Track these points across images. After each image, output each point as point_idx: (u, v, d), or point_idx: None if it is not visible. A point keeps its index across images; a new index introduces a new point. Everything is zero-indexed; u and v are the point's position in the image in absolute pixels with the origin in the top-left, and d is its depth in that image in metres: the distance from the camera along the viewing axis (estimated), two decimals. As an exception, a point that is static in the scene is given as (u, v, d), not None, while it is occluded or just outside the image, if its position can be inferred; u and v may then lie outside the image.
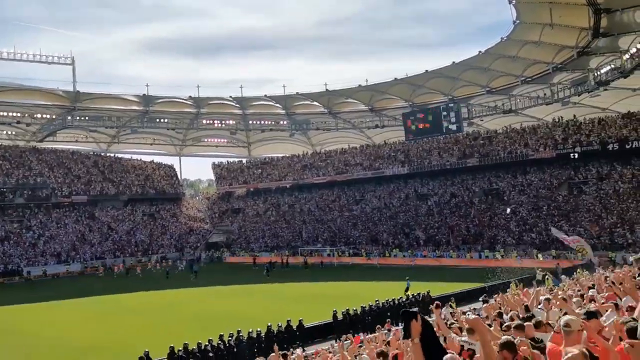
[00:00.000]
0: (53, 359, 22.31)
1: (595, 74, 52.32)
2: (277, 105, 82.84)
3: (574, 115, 61.42)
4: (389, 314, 24.36)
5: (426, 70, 67.75)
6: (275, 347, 13.55)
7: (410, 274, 36.74)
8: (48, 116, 74.39)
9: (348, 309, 24.21)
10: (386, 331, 16.08)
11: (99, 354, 22.52)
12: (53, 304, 37.89)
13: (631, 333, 4.61)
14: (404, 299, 26.91)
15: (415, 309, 3.52)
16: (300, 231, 68.86)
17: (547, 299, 10.08)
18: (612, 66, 49.10)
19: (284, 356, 12.85)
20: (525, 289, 19.14)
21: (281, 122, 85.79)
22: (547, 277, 29.00)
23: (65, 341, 25.34)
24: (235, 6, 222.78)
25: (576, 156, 56.74)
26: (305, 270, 50.56)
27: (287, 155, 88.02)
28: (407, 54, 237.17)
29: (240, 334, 20.60)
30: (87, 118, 77.60)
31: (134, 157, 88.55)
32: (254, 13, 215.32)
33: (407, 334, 3.49)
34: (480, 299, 22.91)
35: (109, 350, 23.01)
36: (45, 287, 48.02)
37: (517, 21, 51.13)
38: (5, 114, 70.42)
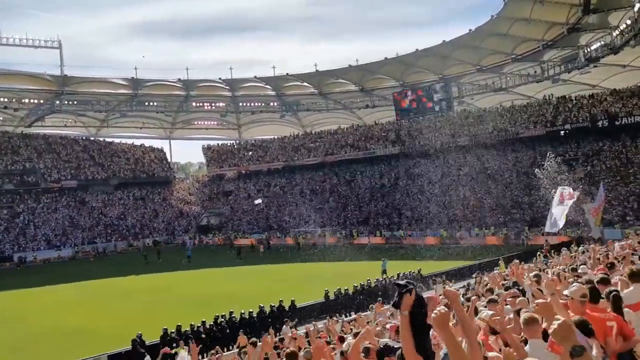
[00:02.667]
0: (44, 342, 22.27)
1: (585, 51, 52.33)
2: (267, 86, 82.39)
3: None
4: (380, 293, 24.51)
5: (417, 50, 67.50)
6: (271, 331, 13.62)
7: (397, 255, 36.91)
8: (36, 101, 73.59)
9: (340, 289, 24.32)
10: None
11: (91, 337, 22.51)
12: (45, 289, 37.79)
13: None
14: (382, 280, 26.85)
15: (412, 284, 3.48)
16: (291, 213, 68.90)
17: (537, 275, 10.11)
18: (602, 43, 49.08)
19: (281, 340, 12.90)
20: (514, 265, 19.23)
21: (271, 104, 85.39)
22: (538, 253, 29.25)
23: (57, 325, 25.36)
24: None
25: (566, 133, 56.99)
26: (298, 251, 50.74)
27: (278, 137, 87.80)
28: (398, 33, 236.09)
29: (233, 315, 20.66)
30: (75, 102, 76.88)
31: (124, 141, 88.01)
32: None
33: (397, 305, 3.49)
34: (474, 275, 23.12)
35: (101, 333, 23.02)
36: (36, 272, 47.87)
37: (507, -2, 50.91)
38: (-8, 99, 69.62)
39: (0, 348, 21.61)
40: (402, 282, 3.55)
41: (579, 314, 4.67)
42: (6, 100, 70.31)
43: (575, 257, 16.73)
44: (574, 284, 5.74)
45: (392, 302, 3.96)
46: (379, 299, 21.61)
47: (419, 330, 3.43)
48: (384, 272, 29.89)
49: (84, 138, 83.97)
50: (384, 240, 53.51)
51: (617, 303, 5.21)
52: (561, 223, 21.52)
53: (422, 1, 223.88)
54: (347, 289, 24.48)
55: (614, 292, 5.36)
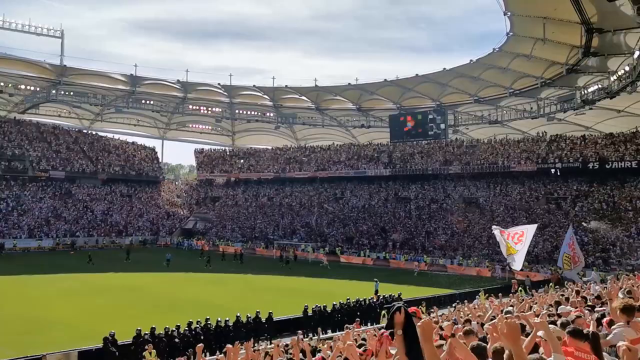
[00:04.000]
0: (14, 332, 21.92)
1: (582, 92, 52.81)
2: (265, 96, 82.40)
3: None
4: (358, 313, 24.42)
5: (417, 74, 67.86)
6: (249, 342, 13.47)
7: (381, 276, 36.85)
8: (32, 88, 72.90)
9: (318, 305, 24.18)
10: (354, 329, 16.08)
11: (65, 330, 22.19)
12: (20, 277, 37.35)
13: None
14: (375, 300, 27.00)
15: (400, 303, 3.63)
16: (277, 224, 68.72)
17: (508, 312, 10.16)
18: (600, 86, 49.55)
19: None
20: (491, 299, 19.31)
21: (267, 114, 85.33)
22: (520, 288, 29.41)
23: (28, 316, 25.00)
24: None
25: (557, 171, 57.55)
26: (280, 263, 50.51)
27: (271, 147, 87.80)
28: (398, 57, 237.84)
29: (209, 323, 20.45)
30: (71, 93, 76.28)
31: (116, 136, 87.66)
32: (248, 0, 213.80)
33: (389, 326, 3.65)
34: (454, 305, 23.25)
35: (76, 327, 22.71)
36: (15, 260, 47.31)
37: (511, 33, 51.39)
38: (-12, 82, 68.99)
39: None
40: (392, 305, 3.68)
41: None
42: (2, 84, 69.66)
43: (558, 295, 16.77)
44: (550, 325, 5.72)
45: (385, 325, 4.13)
46: (357, 319, 21.56)
47: (410, 347, 3.53)
48: (376, 292, 29.99)
49: (76, 130, 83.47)
50: (371, 261, 53.27)
51: (596, 342, 5.20)
52: (518, 265, 21.50)
53: (424, 27, 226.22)
54: (325, 306, 24.34)
55: (592, 332, 5.34)
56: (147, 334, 18.50)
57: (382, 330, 7.78)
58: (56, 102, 77.47)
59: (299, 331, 19.28)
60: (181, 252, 53.38)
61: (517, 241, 20.31)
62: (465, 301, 24.34)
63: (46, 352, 16.45)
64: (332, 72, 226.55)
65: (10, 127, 72.86)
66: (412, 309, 4.99)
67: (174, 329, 19.34)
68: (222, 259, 50.90)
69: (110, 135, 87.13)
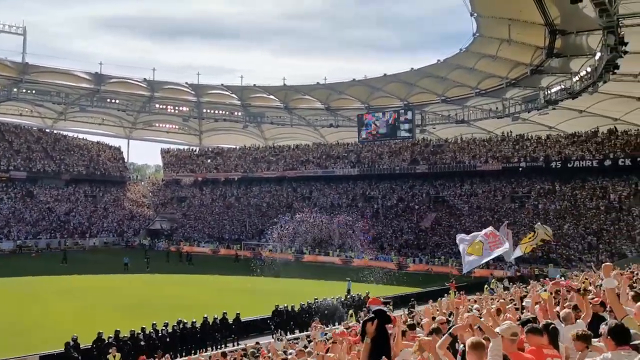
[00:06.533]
0: None
1: (546, 93, 53.93)
2: (233, 95, 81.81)
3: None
4: (326, 312, 24.43)
5: (385, 74, 68.28)
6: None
7: (351, 274, 36.93)
8: (-8, 86, 70.95)
9: (286, 306, 24.09)
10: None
11: (27, 335, 21.56)
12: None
13: None
14: (343, 299, 27.01)
15: (372, 315, 3.97)
16: (245, 224, 68.24)
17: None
18: (562, 86, 50.64)
19: (223, 354, 12.73)
20: (463, 296, 19.48)
21: (236, 113, 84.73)
22: (496, 283, 29.97)
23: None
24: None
25: (521, 170, 58.63)
26: (235, 263, 50.58)
27: (239, 146, 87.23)
28: (367, 56, 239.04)
29: (175, 325, 20.14)
30: (34, 92, 74.46)
31: (81, 136, 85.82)
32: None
33: (363, 335, 3.98)
34: (410, 303, 23.51)
35: (39, 331, 22.12)
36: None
37: (477, 34, 52.11)
38: (-56, 80, 66.76)
39: None
40: (368, 317, 4.11)
41: (509, 352, 4.63)
42: (-40, 82, 67.64)
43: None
44: (506, 321, 5.76)
45: (359, 333, 4.53)
46: (315, 317, 21.70)
47: (379, 353, 3.78)
48: (349, 291, 30.05)
49: (39, 129, 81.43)
50: (341, 261, 53.40)
51: (554, 336, 5.26)
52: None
53: (393, 27, 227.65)
54: (293, 306, 24.26)
55: (551, 325, 5.40)
56: (110, 337, 18.12)
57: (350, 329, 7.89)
58: (17, 101, 75.46)
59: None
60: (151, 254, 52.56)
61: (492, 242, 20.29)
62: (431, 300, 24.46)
63: (4, 358, 15.95)
64: (302, 72, 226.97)
65: (-31, 126, 70.71)
66: (394, 321, 5.02)
67: (139, 331, 18.98)
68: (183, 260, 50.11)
69: (74, 134, 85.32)
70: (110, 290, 33.85)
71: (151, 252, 55.30)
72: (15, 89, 72.05)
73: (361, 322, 4.12)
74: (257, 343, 16.74)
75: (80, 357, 16.55)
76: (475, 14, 48.21)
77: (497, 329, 5.33)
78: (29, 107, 79.14)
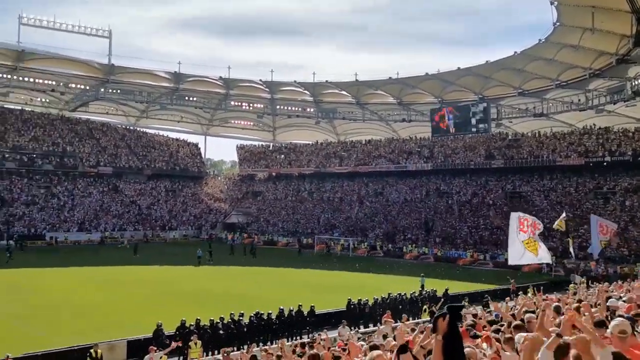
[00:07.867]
0: (47, 317, 23.26)
1: (633, 83, 51.16)
2: (306, 92, 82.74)
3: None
4: (400, 307, 24.39)
5: (458, 68, 66.99)
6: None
7: (426, 270, 36.63)
8: (82, 87, 75.36)
9: (360, 299, 24.25)
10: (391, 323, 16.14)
11: (110, 319, 22.87)
12: (73, 269, 38.69)
13: None
14: (417, 294, 26.86)
15: (445, 310, 3.58)
16: (318, 219, 69.01)
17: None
18: (651, 76, 47.97)
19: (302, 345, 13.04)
20: (540, 294, 18.92)
21: (308, 110, 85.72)
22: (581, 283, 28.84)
23: (76, 303, 26.18)
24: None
25: (606, 165, 55.80)
26: (324, 257, 50.86)
27: (312, 142, 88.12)
28: (438, 50, 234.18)
29: (252, 315, 20.68)
30: (118, 91, 78.53)
31: (161, 133, 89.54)
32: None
33: (434, 329, 3.67)
34: (484, 301, 23.01)
35: (119, 318, 23.38)
36: (66, 253, 49.05)
37: (558, 23, 50.16)
38: (41, 81, 71.47)
39: (7, 316, 22.98)
40: (438, 311, 3.82)
41: (624, 350, 4.52)
42: (54, 83, 72.20)
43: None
44: (616, 319, 5.49)
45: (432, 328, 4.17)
46: (387, 310, 21.67)
47: (451, 351, 3.51)
48: (422, 287, 29.89)
49: (123, 127, 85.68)
50: (412, 256, 53.03)
51: None
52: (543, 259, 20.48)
53: (465, 19, 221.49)
54: (367, 300, 24.40)
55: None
56: (192, 325, 18.87)
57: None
58: (104, 100, 79.94)
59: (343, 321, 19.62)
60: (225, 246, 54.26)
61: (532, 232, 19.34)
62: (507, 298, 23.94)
63: (97, 342, 16.98)
64: (371, 67, 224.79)
65: (62, 125, 75.47)
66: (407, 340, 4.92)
67: (218, 320, 19.64)
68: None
69: (155, 131, 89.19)
70: (178, 280, 35.20)
71: (228, 246, 57.02)
72: (102, 89, 76.41)
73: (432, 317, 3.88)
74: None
75: (169, 342, 17.26)
76: (556, 3, 46.47)
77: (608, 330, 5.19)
78: (115, 106, 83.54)
